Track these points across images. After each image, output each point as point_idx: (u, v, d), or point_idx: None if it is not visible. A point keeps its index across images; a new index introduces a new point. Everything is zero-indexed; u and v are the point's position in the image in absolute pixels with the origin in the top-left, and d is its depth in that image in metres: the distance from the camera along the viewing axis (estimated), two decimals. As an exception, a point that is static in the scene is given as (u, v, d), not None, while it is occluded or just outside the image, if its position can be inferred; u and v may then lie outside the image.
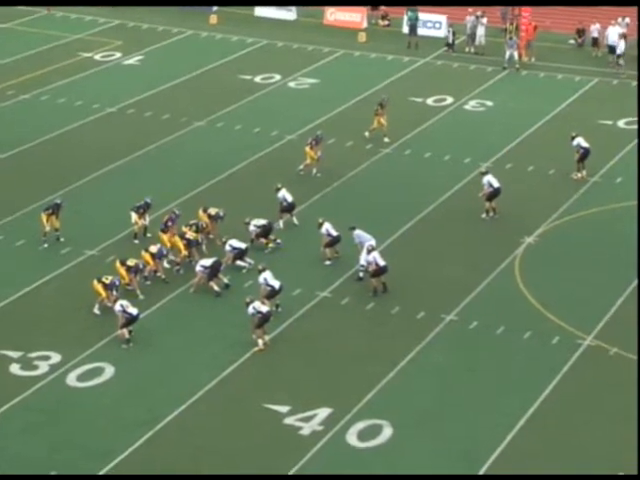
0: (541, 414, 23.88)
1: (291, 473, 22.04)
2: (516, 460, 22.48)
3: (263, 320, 25.66)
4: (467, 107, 39.87)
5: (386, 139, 36.52)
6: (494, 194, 31.88)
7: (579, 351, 26.02)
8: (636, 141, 36.70)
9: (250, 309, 25.67)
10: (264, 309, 25.80)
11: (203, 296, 27.81)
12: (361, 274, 28.89)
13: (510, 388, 24.76)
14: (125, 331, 25.82)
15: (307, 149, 34.20)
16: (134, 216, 30.24)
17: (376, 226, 30.19)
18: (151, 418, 23.48)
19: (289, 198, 31.26)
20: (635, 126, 37.97)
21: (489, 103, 40.01)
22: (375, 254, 28.08)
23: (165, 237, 29.20)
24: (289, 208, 31.24)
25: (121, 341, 25.92)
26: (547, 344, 26.24)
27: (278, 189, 31.43)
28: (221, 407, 24.03)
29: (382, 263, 27.95)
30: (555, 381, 24.93)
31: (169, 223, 29.53)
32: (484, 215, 31.82)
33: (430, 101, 40.26)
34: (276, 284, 26.90)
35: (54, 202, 30.43)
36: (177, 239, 29.11)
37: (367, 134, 36.72)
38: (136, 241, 30.02)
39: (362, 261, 28.86)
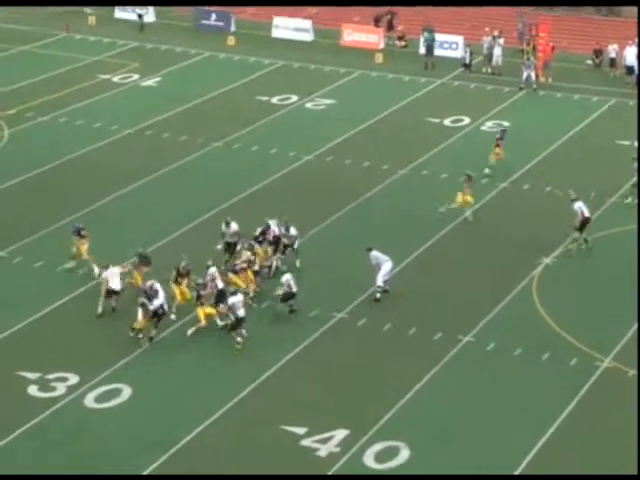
0: (559, 436, 23.76)
1: (308, 495, 22.01)
2: (534, 482, 22.38)
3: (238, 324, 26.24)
4: (484, 128, 39.89)
5: (487, 170, 35.32)
6: (585, 223, 30.83)
7: (597, 373, 25.90)
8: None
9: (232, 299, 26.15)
10: (241, 313, 26.34)
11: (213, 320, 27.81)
12: (378, 295, 28.88)
13: (527, 410, 24.65)
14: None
15: (459, 194, 32.54)
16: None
17: (393, 247, 30.16)
18: (168, 440, 23.47)
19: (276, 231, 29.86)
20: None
21: (506, 123, 40.01)
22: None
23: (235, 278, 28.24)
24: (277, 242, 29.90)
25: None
26: (565, 366, 26.14)
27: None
28: (237, 429, 24.01)
29: None
30: (573, 403, 24.82)
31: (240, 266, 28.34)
32: (571, 245, 30.76)
33: (447, 122, 40.31)
34: (294, 288, 27.38)
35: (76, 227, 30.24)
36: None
37: (487, 170, 35.56)
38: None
39: (379, 282, 28.86)
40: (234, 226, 30.11)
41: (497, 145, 35.38)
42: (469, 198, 32.67)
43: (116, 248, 31.18)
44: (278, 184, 35.62)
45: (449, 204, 32.75)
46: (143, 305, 26.54)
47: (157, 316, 26.61)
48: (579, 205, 31.14)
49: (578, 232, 31.03)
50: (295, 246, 30.17)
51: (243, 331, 26.68)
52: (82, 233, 29.91)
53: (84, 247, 29.89)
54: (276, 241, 29.91)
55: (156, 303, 26.41)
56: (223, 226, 30.10)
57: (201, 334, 27.11)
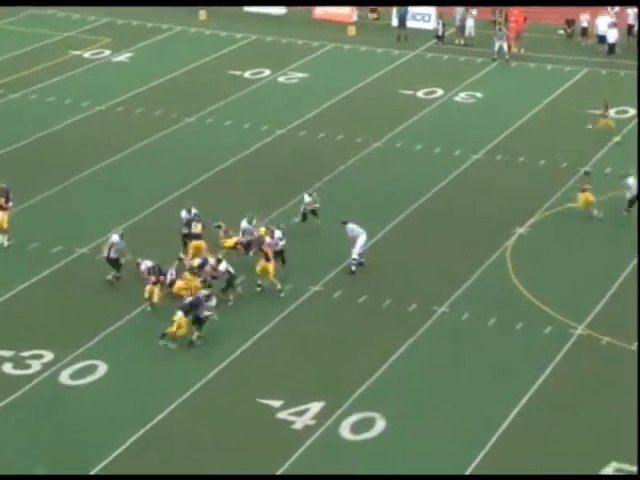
0: (534, 404, 23.91)
1: (284, 467, 22.04)
2: (510, 450, 22.49)
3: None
4: (457, 99, 39.90)
5: (617, 138, 34.62)
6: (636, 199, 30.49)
7: (571, 341, 26.06)
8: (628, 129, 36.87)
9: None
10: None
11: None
12: (353, 267, 28.91)
13: (502, 379, 24.77)
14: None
15: (579, 194, 31.21)
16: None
17: (368, 219, 30.16)
18: (144, 415, 23.45)
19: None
20: (626, 115, 38.08)
21: (479, 95, 40.04)
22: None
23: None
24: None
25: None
26: (539, 334, 26.28)
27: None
28: (213, 403, 24.03)
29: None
30: (548, 371, 24.96)
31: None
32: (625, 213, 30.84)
33: (420, 94, 40.27)
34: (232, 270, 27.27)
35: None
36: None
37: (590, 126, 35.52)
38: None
39: (354, 254, 28.89)
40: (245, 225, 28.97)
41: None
42: (590, 196, 30.99)
43: (88, 225, 31.09)
44: (251, 159, 35.51)
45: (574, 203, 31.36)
46: (188, 312, 25.69)
47: (200, 321, 25.84)
48: (632, 181, 30.90)
49: (630, 208, 30.89)
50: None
51: (238, 288, 26.81)
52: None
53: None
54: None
55: (206, 313, 25.78)
56: (244, 223, 28.87)
57: (175, 309, 27.06)
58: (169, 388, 24.38)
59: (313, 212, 30.89)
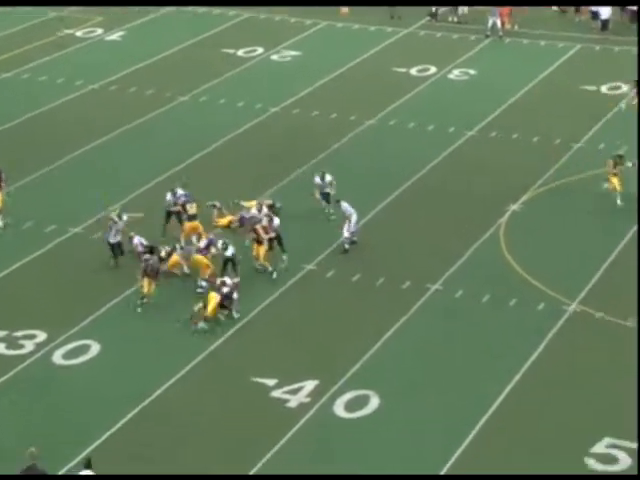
0: (528, 380, 23.95)
1: (279, 445, 22.08)
2: (503, 427, 22.54)
3: None
4: (451, 76, 39.80)
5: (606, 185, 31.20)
6: None
7: (565, 317, 26.08)
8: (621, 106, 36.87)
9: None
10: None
11: (189, 274, 27.75)
12: (346, 246, 28.89)
13: (496, 355, 24.80)
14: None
15: (610, 177, 30.42)
16: None
17: (361, 197, 30.16)
18: (138, 394, 23.47)
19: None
20: (619, 91, 38.05)
21: (473, 72, 39.94)
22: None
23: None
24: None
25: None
26: (533, 311, 26.30)
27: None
28: (208, 382, 24.05)
29: None
30: (541, 347, 24.99)
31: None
32: None
33: (414, 71, 40.16)
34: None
35: None
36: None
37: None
38: None
39: (346, 233, 28.87)
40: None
41: (614, 174, 30.60)
42: (617, 182, 30.24)
43: (81, 204, 31.05)
44: (245, 137, 35.42)
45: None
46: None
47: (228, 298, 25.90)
48: None
49: None
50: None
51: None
52: None
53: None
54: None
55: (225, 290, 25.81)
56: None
57: (171, 289, 27.05)
58: (163, 367, 24.39)
59: (325, 195, 29.97)
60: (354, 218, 28.91)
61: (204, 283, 26.45)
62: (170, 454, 21.88)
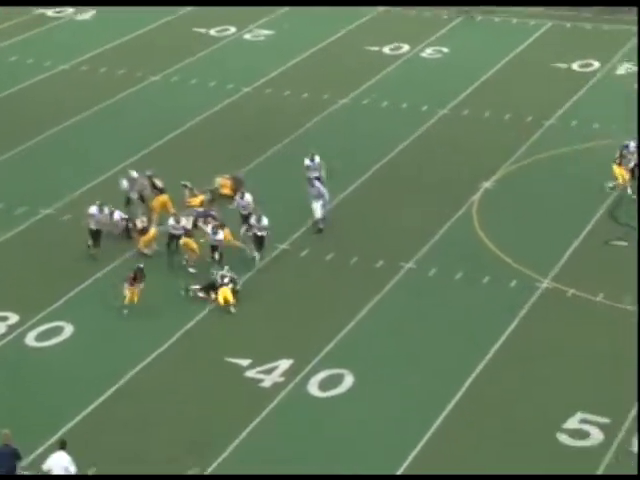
0: (501, 357, 24.06)
1: (254, 424, 22.12)
2: (477, 402, 22.66)
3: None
4: (423, 54, 39.78)
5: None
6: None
7: (537, 294, 26.23)
8: (590, 83, 37.02)
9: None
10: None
11: (162, 253, 27.67)
12: (321, 225, 28.90)
13: (469, 333, 24.91)
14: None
15: (615, 167, 29.92)
16: None
17: (334, 176, 30.12)
18: (112, 375, 23.43)
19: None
20: (590, 69, 38.18)
21: (445, 50, 39.94)
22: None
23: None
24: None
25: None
26: (505, 288, 26.42)
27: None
28: (182, 362, 24.03)
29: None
30: (514, 324, 25.13)
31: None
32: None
33: (386, 50, 40.11)
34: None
35: None
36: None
37: None
38: None
39: (319, 213, 28.85)
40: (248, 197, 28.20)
41: (619, 164, 30.09)
42: (622, 172, 29.70)
43: (52, 185, 30.86)
44: (218, 117, 35.30)
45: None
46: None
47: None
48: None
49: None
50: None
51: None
52: None
53: None
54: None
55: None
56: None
57: (145, 270, 27.01)
58: (137, 348, 24.36)
59: (316, 179, 29.16)
60: (326, 197, 28.91)
61: (196, 287, 26.11)
62: (145, 434, 21.87)
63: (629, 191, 29.94)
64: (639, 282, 25.96)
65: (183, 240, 27.11)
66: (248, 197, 28.25)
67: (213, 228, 27.05)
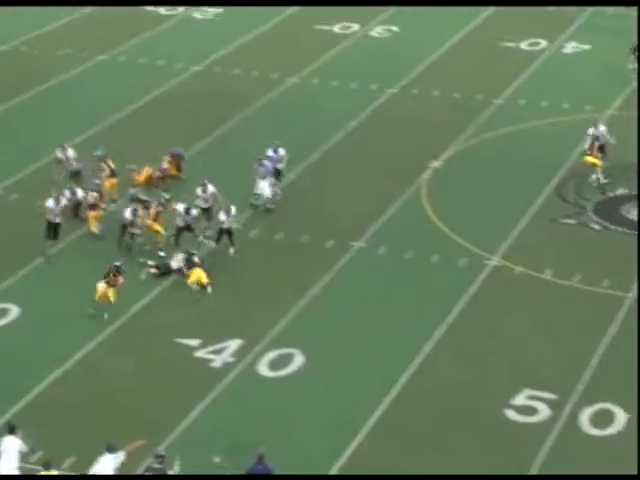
0: (450, 335, 24.21)
1: (204, 404, 22.07)
2: (427, 379, 22.75)
3: None
4: (373, 33, 39.75)
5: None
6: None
7: (486, 271, 26.40)
8: (540, 61, 37.23)
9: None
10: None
11: (112, 233, 27.42)
12: (270, 205, 28.82)
13: (420, 311, 25.03)
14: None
15: (587, 158, 29.69)
16: None
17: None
18: (60, 357, 23.24)
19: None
20: (538, 47, 38.41)
21: (395, 29, 39.94)
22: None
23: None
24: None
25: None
26: (455, 266, 26.56)
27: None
28: (131, 343, 23.89)
29: None
30: (463, 302, 25.28)
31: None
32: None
33: (336, 29, 40.02)
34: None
35: None
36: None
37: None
38: None
39: (268, 193, 28.78)
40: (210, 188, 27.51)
41: (590, 154, 29.95)
42: (593, 159, 29.50)
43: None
44: (167, 96, 35.02)
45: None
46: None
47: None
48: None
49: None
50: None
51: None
52: None
53: None
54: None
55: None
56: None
57: (92, 252, 26.77)
58: (85, 329, 24.12)
59: (276, 170, 28.76)
60: (272, 179, 28.82)
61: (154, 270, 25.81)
62: (94, 415, 21.71)
63: (601, 177, 29.73)
64: (639, 273, 25.95)
65: (148, 223, 26.83)
66: (211, 188, 27.54)
67: (133, 210, 26.57)
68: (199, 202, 27.45)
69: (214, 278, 26.04)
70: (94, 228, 27.35)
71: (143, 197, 27.67)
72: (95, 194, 27.66)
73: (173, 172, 30.01)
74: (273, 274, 26.32)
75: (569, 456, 20.70)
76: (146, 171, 29.45)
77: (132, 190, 28.02)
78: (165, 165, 29.94)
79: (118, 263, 24.84)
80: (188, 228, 26.79)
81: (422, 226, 28.18)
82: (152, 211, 27.02)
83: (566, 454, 20.76)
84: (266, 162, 29.09)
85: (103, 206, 27.70)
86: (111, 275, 24.46)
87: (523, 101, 34.53)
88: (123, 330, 24.28)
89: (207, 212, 27.51)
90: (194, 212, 26.71)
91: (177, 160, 30.11)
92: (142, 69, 36.80)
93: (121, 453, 18.91)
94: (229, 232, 26.74)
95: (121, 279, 24.58)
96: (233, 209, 26.76)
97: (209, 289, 25.51)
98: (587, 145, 29.62)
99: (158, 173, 29.64)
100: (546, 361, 23.31)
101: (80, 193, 27.60)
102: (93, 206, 27.49)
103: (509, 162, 31.18)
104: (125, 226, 26.67)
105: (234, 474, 19.15)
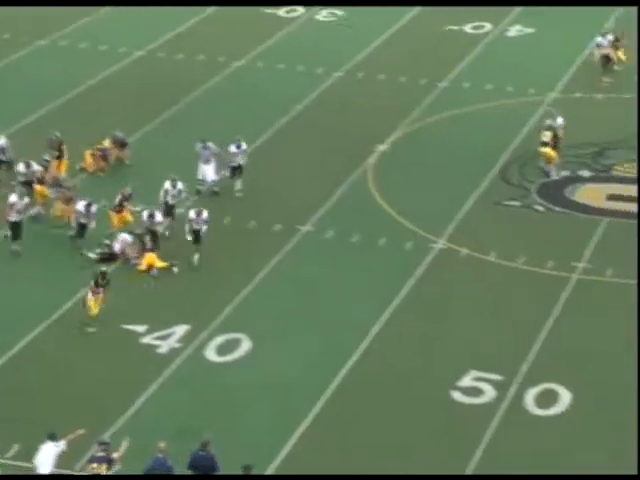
0: (396, 317, 24.32)
1: (150, 390, 21.97)
2: (372, 363, 22.84)
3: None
4: (319, 17, 39.70)
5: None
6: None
7: (432, 254, 26.55)
8: (482, 45, 37.44)
9: None
10: None
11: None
12: (216, 189, 28.72)
13: (367, 294, 25.10)
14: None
15: (545, 149, 29.27)
16: None
17: (229, 140, 29.88)
18: (5, 343, 23.00)
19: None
20: (482, 30, 38.62)
21: (340, 13, 39.91)
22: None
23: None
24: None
25: None
26: (401, 249, 26.68)
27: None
28: (76, 329, 23.69)
29: None
30: (410, 284, 25.40)
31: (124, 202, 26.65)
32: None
33: (282, 12, 39.91)
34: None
35: None
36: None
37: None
38: None
39: (213, 175, 28.66)
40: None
41: (553, 147, 29.44)
42: (549, 152, 29.25)
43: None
44: (109, 82, 34.70)
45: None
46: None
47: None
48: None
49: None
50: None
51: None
52: None
53: None
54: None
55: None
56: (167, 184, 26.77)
57: (41, 239, 26.48)
58: (30, 314, 23.88)
59: (235, 168, 28.28)
60: (214, 179, 28.58)
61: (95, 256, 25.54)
62: (40, 402, 21.53)
63: (554, 173, 29.56)
64: (639, 260, 26.01)
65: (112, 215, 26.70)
66: (180, 185, 26.81)
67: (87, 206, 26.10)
68: (168, 198, 26.70)
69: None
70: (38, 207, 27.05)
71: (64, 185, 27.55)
72: (41, 168, 27.44)
73: (115, 155, 29.76)
74: (220, 259, 26.24)
75: (514, 436, 20.92)
76: (87, 155, 29.27)
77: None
78: (106, 144, 29.66)
79: (104, 269, 24.15)
80: (153, 234, 25.98)
81: (369, 210, 28.26)
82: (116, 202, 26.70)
83: (511, 434, 20.97)
84: (210, 144, 28.89)
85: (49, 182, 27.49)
86: (98, 281, 23.58)
87: (467, 84, 34.72)
88: (68, 316, 24.07)
89: (172, 209, 26.72)
90: (159, 217, 25.93)
91: (120, 144, 29.85)
92: (83, 55, 36.39)
93: (62, 442, 18.79)
94: (197, 233, 25.96)
95: (101, 290, 23.61)
96: (205, 212, 25.88)
97: (175, 269, 25.29)
98: (546, 138, 29.40)
99: (99, 152, 29.39)
100: (491, 342, 23.51)
101: (35, 166, 27.39)
102: (40, 180, 27.24)
103: (454, 145, 31.35)
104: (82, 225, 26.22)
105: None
